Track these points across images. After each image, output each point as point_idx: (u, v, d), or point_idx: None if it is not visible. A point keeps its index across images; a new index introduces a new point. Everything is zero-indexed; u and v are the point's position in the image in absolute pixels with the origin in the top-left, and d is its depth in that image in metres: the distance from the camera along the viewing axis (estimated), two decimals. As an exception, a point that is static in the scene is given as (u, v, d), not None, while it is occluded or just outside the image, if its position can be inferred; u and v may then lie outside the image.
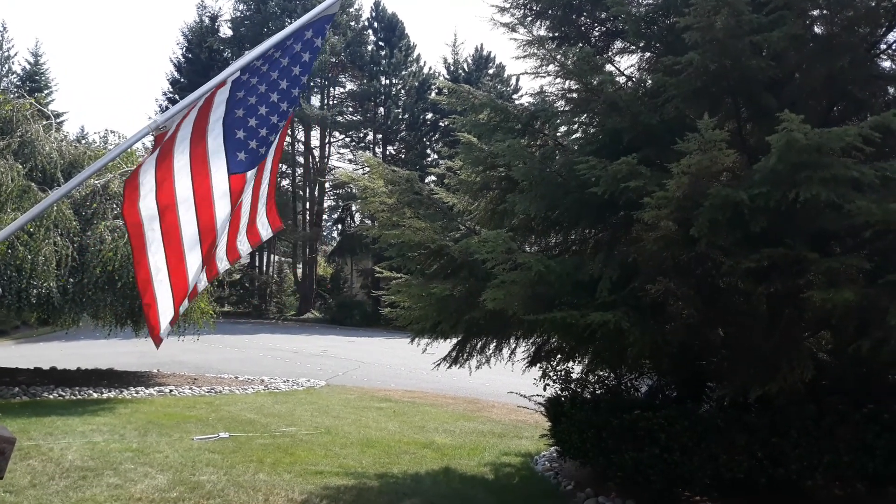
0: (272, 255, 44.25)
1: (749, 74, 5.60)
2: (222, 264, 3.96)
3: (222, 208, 3.67)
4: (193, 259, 3.65)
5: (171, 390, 12.44)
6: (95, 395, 11.66)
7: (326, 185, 40.93)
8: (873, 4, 5.98)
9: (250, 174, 3.74)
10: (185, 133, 3.53)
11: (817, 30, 6.15)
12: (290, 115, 3.90)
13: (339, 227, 43.38)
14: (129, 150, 11.81)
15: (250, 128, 3.68)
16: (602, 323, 5.13)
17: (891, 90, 6.41)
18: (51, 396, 11.42)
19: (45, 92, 37.56)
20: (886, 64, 6.59)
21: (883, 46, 6.39)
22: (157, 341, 3.66)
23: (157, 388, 12.58)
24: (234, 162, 3.67)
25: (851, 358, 5.66)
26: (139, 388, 12.36)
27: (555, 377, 7.52)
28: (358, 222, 38.46)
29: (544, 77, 7.00)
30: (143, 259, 3.52)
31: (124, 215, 3.54)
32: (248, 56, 3.63)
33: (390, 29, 39.32)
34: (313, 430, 9.16)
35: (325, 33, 3.85)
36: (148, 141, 3.66)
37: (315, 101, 40.81)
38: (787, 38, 5.43)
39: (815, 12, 6.05)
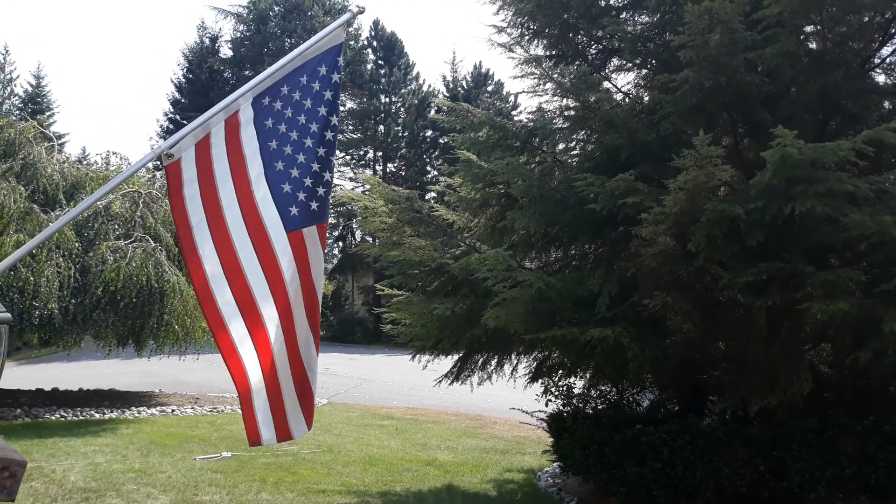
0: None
1: (744, 90, 5.67)
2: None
3: (287, 267, 3.54)
4: (280, 353, 3.53)
5: (173, 410, 12.42)
6: (97, 416, 11.65)
7: (327, 202, 40.95)
8: (866, 20, 6.06)
9: (307, 232, 3.59)
10: (230, 195, 3.44)
11: (811, 46, 6.23)
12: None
13: (340, 244, 43.41)
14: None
15: (294, 178, 3.57)
16: (602, 339, 5.16)
17: (885, 104, 6.48)
18: (53, 418, 11.41)
19: (47, 114, 37.71)
20: (881, 78, 6.67)
21: (876, 61, 6.47)
22: (253, 442, 3.49)
23: (159, 408, 12.56)
24: (289, 218, 3.55)
25: (851, 370, 5.68)
26: (141, 409, 12.34)
27: (557, 393, 7.52)
28: (359, 240, 38.50)
29: (542, 95, 7.10)
30: (230, 346, 3.41)
31: (195, 290, 3.44)
32: (255, 81, 3.57)
33: (389, 48, 39.56)
34: (315, 449, 9.15)
35: (339, 66, 3.71)
36: (151, 163, 3.69)
37: (315, 119, 40.87)
38: (780, 55, 5.50)
39: (809, 28, 6.13)
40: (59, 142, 22.01)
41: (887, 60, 6.52)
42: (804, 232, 5.20)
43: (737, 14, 5.24)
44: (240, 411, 13.19)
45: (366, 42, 40.30)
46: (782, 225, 4.97)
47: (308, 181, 3.60)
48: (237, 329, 3.43)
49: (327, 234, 3.82)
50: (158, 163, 3.53)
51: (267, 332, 3.49)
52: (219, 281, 3.41)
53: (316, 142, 3.64)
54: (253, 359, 3.46)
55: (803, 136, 4.66)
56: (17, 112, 32.85)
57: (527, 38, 7.44)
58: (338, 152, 42.24)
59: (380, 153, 40.20)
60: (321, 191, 3.62)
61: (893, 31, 6.29)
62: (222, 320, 3.41)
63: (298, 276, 3.57)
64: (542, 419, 7.56)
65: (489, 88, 38.66)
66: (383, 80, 38.72)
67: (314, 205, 3.60)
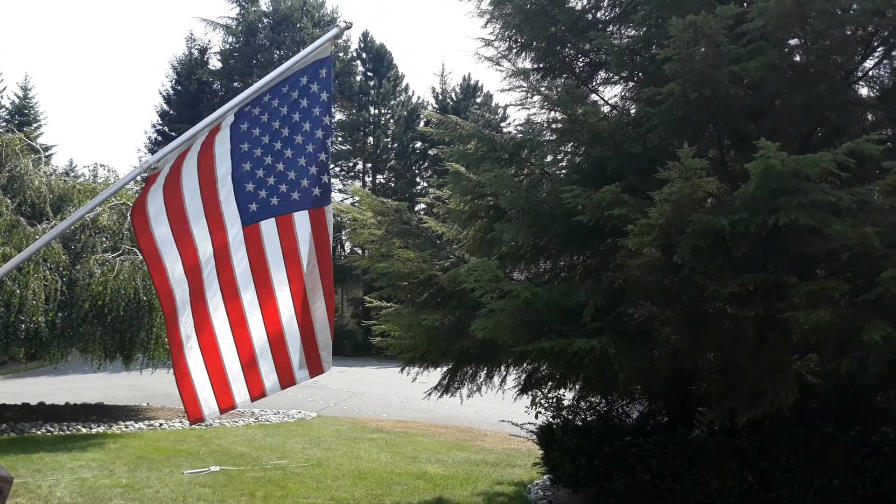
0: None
1: (729, 103, 5.73)
2: (270, 381, 3.90)
3: (240, 265, 3.77)
4: (222, 330, 3.73)
5: (161, 424, 12.33)
6: (84, 431, 11.55)
7: (316, 214, 40.87)
8: (849, 34, 6.14)
9: (264, 224, 3.80)
10: (193, 188, 3.64)
11: (795, 59, 6.30)
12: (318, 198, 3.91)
13: (330, 256, 43.29)
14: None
15: (258, 178, 3.79)
16: (588, 349, 5.18)
17: (868, 116, 6.55)
18: (39, 432, 11.30)
19: (34, 125, 37.49)
20: (863, 91, 6.75)
21: (859, 74, 6.55)
22: (195, 419, 3.72)
23: (146, 422, 12.47)
24: (247, 214, 3.78)
25: (839, 381, 5.72)
26: (129, 423, 12.25)
27: (546, 405, 7.52)
28: (348, 251, 38.44)
29: (530, 107, 7.14)
30: (175, 329, 3.63)
31: (153, 280, 3.67)
32: (242, 96, 3.70)
33: (379, 59, 39.66)
34: (305, 463, 9.10)
35: (323, 78, 3.87)
36: (140, 176, 3.73)
37: (304, 131, 40.91)
38: (765, 68, 5.57)
39: (793, 42, 6.21)
40: (47, 154, 21.90)
41: (870, 73, 6.60)
42: (788, 243, 5.24)
43: (721, 27, 5.30)
44: (228, 424, 13.06)
45: (355, 54, 40.39)
46: (767, 236, 5.01)
47: (271, 180, 3.82)
48: (185, 320, 3.66)
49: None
50: (145, 175, 3.56)
51: (210, 318, 3.72)
52: (178, 278, 3.63)
53: (284, 145, 3.84)
54: (194, 343, 3.69)
55: (788, 149, 4.71)
56: (4, 124, 32.65)
57: (514, 51, 7.49)
58: (327, 164, 42.14)
59: (369, 165, 40.21)
60: (283, 188, 3.84)
61: (876, 44, 6.38)
62: (175, 313, 3.65)
63: (261, 264, 3.83)
64: (531, 431, 7.55)
65: (478, 100, 38.80)
66: (372, 91, 38.78)
67: (274, 200, 3.83)
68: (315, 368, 3.99)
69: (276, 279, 3.81)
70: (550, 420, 7.35)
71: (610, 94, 9.50)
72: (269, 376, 3.84)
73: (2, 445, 10.00)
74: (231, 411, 3.88)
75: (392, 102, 39.25)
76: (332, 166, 3.96)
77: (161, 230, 3.57)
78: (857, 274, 5.37)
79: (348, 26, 3.97)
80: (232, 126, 3.75)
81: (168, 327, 3.66)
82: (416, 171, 39.26)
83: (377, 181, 39.67)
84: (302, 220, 3.84)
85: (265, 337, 3.81)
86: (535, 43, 7.44)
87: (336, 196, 40.73)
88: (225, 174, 3.73)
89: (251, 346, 3.79)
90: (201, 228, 3.67)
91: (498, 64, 7.19)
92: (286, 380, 3.89)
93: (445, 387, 7.77)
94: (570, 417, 7.30)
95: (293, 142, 3.83)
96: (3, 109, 38.89)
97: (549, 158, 7.18)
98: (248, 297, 3.77)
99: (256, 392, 3.82)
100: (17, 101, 39.36)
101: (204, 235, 3.67)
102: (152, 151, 36.71)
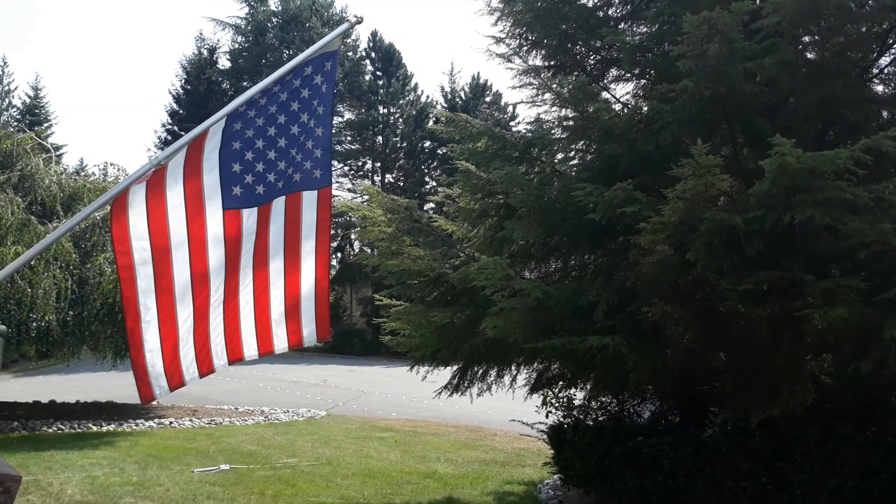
0: (272, 285, 44.02)
1: (743, 100, 5.67)
2: (250, 351, 3.92)
3: (215, 251, 3.69)
4: (184, 312, 3.66)
5: (171, 422, 12.35)
6: (95, 429, 11.58)
7: (325, 213, 40.89)
8: (864, 30, 6.07)
9: (246, 213, 3.75)
10: (178, 162, 3.57)
11: (810, 56, 6.23)
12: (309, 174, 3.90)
13: (339, 255, 43.36)
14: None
15: (247, 161, 3.72)
16: (601, 348, 5.13)
17: (884, 113, 6.48)
18: (50, 430, 11.34)
19: (45, 125, 37.75)
20: (879, 88, 6.67)
21: (875, 71, 6.48)
22: (146, 398, 3.63)
23: (157, 420, 12.49)
24: (230, 196, 3.70)
25: (853, 381, 5.64)
26: (139, 421, 12.27)
27: (557, 404, 7.48)
28: (357, 250, 38.44)
29: (541, 105, 7.10)
30: (133, 304, 3.54)
31: (115, 253, 3.57)
32: (249, 93, 3.69)
33: (388, 59, 39.64)
34: (314, 462, 9.09)
35: (328, 70, 3.85)
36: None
37: (313, 130, 40.96)
38: (779, 65, 5.51)
39: (807, 38, 6.15)
40: (57, 153, 21.99)
41: (885, 70, 6.53)
42: (804, 241, 5.19)
43: (735, 24, 5.24)
44: (238, 423, 13.10)
45: (364, 53, 40.39)
46: (782, 234, 4.95)
47: (260, 166, 3.75)
48: (147, 302, 3.56)
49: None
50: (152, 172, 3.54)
51: (174, 298, 3.63)
52: (145, 260, 3.53)
53: (278, 132, 3.79)
54: (153, 319, 3.59)
55: (803, 146, 4.65)
56: (15, 123, 32.83)
57: (525, 48, 7.45)
58: (336, 163, 42.24)
59: (378, 164, 40.24)
60: (271, 177, 3.79)
61: (891, 41, 6.30)
62: (136, 296, 3.54)
63: (236, 253, 3.78)
64: (542, 431, 7.51)
65: (487, 99, 38.71)
66: (381, 90, 38.77)
67: (260, 188, 3.77)
68: (265, 346, 3.98)
69: (243, 266, 3.81)
70: (561, 420, 7.31)
71: (622, 91, 9.43)
72: (220, 355, 3.85)
73: (13, 443, 10.04)
74: (181, 388, 3.83)
75: (401, 101, 39.22)
76: (318, 153, 3.92)
77: (137, 212, 3.51)
78: (873, 273, 5.30)
79: (359, 21, 3.95)
80: (230, 111, 3.73)
81: (125, 307, 3.57)
82: (426, 171, 39.21)
83: (386, 180, 39.67)
84: (278, 207, 3.84)
85: (222, 321, 3.82)
86: (545, 40, 7.40)
87: (346, 195, 40.77)
88: (213, 149, 3.66)
89: (207, 329, 3.78)
90: (178, 207, 3.60)
91: (509, 61, 7.15)
92: (234, 355, 3.90)
93: (455, 386, 7.74)
94: (582, 417, 7.26)
95: (288, 132, 3.81)
96: (15, 109, 39.15)
97: (561, 156, 7.14)
98: (217, 284, 3.75)
99: (205, 369, 3.83)
100: (28, 100, 39.59)
101: (180, 216, 3.60)
102: (162, 150, 36.82)
